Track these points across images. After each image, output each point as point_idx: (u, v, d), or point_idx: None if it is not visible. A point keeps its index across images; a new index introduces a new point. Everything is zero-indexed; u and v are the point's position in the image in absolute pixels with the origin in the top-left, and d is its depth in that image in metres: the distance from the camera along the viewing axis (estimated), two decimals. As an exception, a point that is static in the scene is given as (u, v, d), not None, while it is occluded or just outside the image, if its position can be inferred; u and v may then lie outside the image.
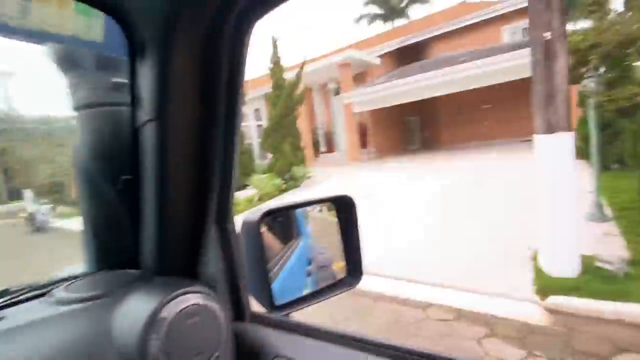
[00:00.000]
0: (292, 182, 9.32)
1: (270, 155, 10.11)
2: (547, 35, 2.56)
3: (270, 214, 0.64)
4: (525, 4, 10.73)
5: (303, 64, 9.61)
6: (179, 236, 0.58)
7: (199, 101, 0.52)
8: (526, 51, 8.68)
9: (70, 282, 0.56)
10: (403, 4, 28.29)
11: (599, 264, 2.78)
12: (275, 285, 0.63)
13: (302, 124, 12.94)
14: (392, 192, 7.18)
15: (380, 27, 28.92)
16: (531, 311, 2.62)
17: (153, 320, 0.44)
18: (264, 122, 18.05)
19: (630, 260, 2.72)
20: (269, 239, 0.66)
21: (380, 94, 12.15)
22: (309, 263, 0.73)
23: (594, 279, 2.70)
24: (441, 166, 9.30)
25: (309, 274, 0.73)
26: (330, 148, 16.03)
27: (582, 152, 6.75)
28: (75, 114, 0.65)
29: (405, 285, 3.33)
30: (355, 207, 0.73)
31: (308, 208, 0.77)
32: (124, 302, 0.49)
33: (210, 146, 0.55)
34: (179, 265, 0.59)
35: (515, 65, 9.60)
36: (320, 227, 0.80)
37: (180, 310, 0.46)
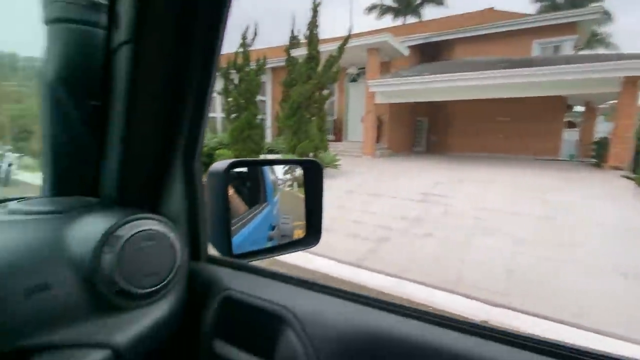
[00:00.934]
0: (317, 168, 8.31)
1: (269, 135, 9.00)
2: None
3: (236, 166, 0.66)
4: (561, 20, 10.02)
5: (348, 36, 8.50)
6: (144, 169, 0.59)
7: (176, 31, 0.50)
8: (559, 68, 8.65)
9: (24, 198, 0.58)
10: (418, 1, 27.54)
11: None
12: (235, 240, 0.65)
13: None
14: (456, 195, 6.43)
15: (388, 21, 27.93)
16: None
17: (108, 236, 0.46)
18: (268, 98, 16.74)
19: None
20: (236, 197, 0.68)
21: (407, 87, 11.35)
22: (272, 229, 0.76)
23: None
24: (477, 175, 8.70)
25: (270, 239, 0.76)
26: (338, 137, 15.08)
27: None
28: (45, 28, 0.57)
29: None
30: (322, 171, 0.77)
31: (279, 174, 0.80)
32: (78, 220, 0.50)
33: (185, 78, 0.55)
34: (140, 198, 0.59)
35: (546, 81, 9.17)
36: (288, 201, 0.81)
37: (137, 232, 0.48)
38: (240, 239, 0.67)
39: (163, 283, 0.51)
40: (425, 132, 17.14)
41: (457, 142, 15.83)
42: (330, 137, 15.11)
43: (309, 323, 0.47)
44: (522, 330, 2.54)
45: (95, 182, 0.60)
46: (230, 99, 10.30)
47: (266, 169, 0.79)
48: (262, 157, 9.58)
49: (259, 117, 10.19)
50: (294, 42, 11.99)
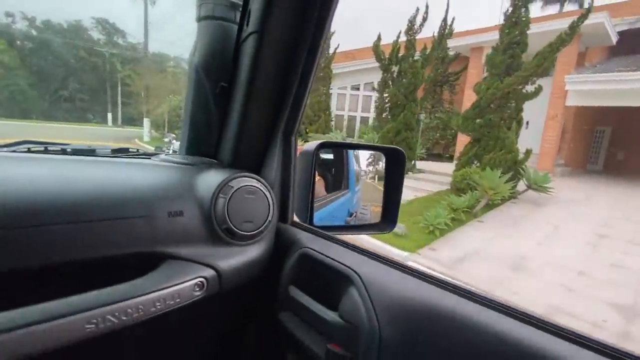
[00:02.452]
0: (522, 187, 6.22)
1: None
2: None
3: (325, 147, 0.76)
4: None
5: (589, 9, 6.19)
6: (252, 139, 0.70)
7: (292, 23, 0.61)
8: None
9: (170, 152, 0.77)
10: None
11: None
12: (316, 215, 0.73)
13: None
14: None
15: (536, 11, 22.86)
16: None
17: (224, 184, 0.59)
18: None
19: None
20: (321, 179, 0.77)
21: (622, 87, 8.22)
22: (350, 215, 0.82)
23: None
24: None
25: (346, 224, 0.82)
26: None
27: None
28: (195, 25, 0.72)
29: None
30: (404, 161, 0.79)
31: (363, 165, 0.84)
32: (204, 172, 0.63)
33: (293, 64, 0.64)
34: (248, 162, 0.70)
35: None
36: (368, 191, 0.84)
37: (244, 186, 0.60)
38: (320, 216, 0.74)
39: (257, 231, 0.62)
40: (605, 145, 13.09)
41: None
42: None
43: (372, 286, 0.51)
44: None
45: (216, 148, 0.73)
46: (386, 95, 9.01)
47: (351, 159, 0.84)
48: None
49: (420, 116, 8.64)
50: (443, 33, 10.10)
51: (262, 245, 0.64)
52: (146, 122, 16.19)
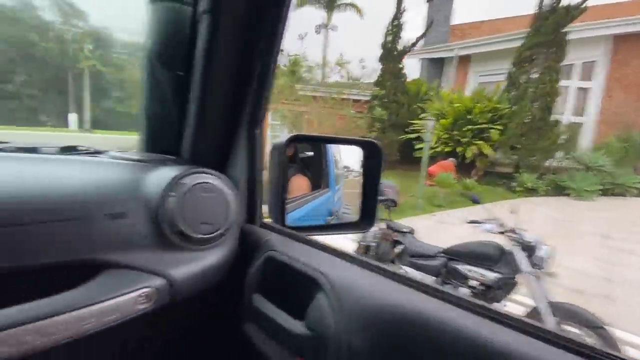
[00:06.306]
0: None
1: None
2: None
3: (296, 140, 0.69)
4: None
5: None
6: (214, 134, 0.64)
7: (250, 5, 0.56)
8: None
9: (122, 150, 0.66)
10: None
11: None
12: (292, 215, 0.68)
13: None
14: None
15: None
16: None
17: (175, 182, 0.51)
18: (597, 85, 8.53)
19: None
20: (300, 177, 0.72)
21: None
22: (330, 214, 0.79)
23: None
24: None
25: (327, 223, 0.79)
26: None
27: None
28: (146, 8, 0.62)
29: None
30: (381, 154, 0.73)
31: (355, 166, 0.77)
32: (156, 169, 0.56)
33: (253, 51, 0.59)
34: (210, 160, 0.63)
35: None
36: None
37: (200, 183, 0.53)
38: (297, 215, 0.69)
39: (215, 233, 0.55)
40: None
41: None
42: None
43: (343, 291, 0.47)
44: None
45: (178, 144, 0.66)
46: None
47: (330, 155, 0.78)
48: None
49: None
50: None
51: (223, 249, 0.58)
52: (71, 116, 9.72)
